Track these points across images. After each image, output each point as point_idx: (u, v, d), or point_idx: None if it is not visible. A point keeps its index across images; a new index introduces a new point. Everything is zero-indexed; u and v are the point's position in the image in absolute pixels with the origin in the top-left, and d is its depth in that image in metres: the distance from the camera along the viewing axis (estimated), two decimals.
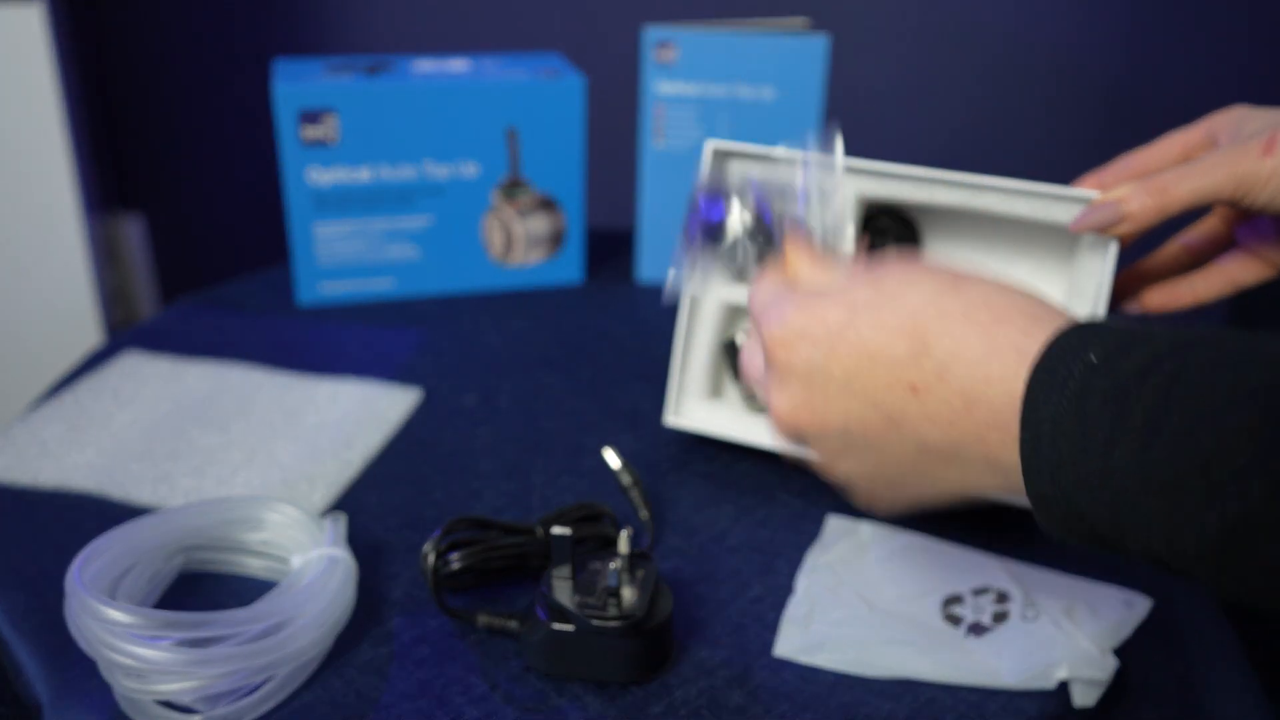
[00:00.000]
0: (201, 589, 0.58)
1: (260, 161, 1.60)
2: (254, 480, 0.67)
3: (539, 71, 0.93)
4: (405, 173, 0.92)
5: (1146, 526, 0.33)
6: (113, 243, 1.82)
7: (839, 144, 0.50)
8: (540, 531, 0.58)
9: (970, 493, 0.43)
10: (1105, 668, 0.52)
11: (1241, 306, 1.59)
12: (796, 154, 0.51)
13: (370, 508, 0.66)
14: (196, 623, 0.48)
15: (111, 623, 0.48)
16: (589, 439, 0.74)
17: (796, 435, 0.46)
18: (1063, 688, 0.52)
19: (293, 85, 0.86)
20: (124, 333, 0.88)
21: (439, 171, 0.93)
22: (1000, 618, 0.55)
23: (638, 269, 1.00)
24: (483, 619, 0.55)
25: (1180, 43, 1.48)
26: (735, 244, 0.50)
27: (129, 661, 0.47)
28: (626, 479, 0.65)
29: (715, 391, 0.75)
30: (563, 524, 0.57)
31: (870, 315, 0.42)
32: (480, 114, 0.91)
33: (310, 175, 0.89)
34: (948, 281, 0.42)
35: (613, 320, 0.93)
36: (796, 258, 0.49)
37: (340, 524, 0.57)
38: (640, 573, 0.54)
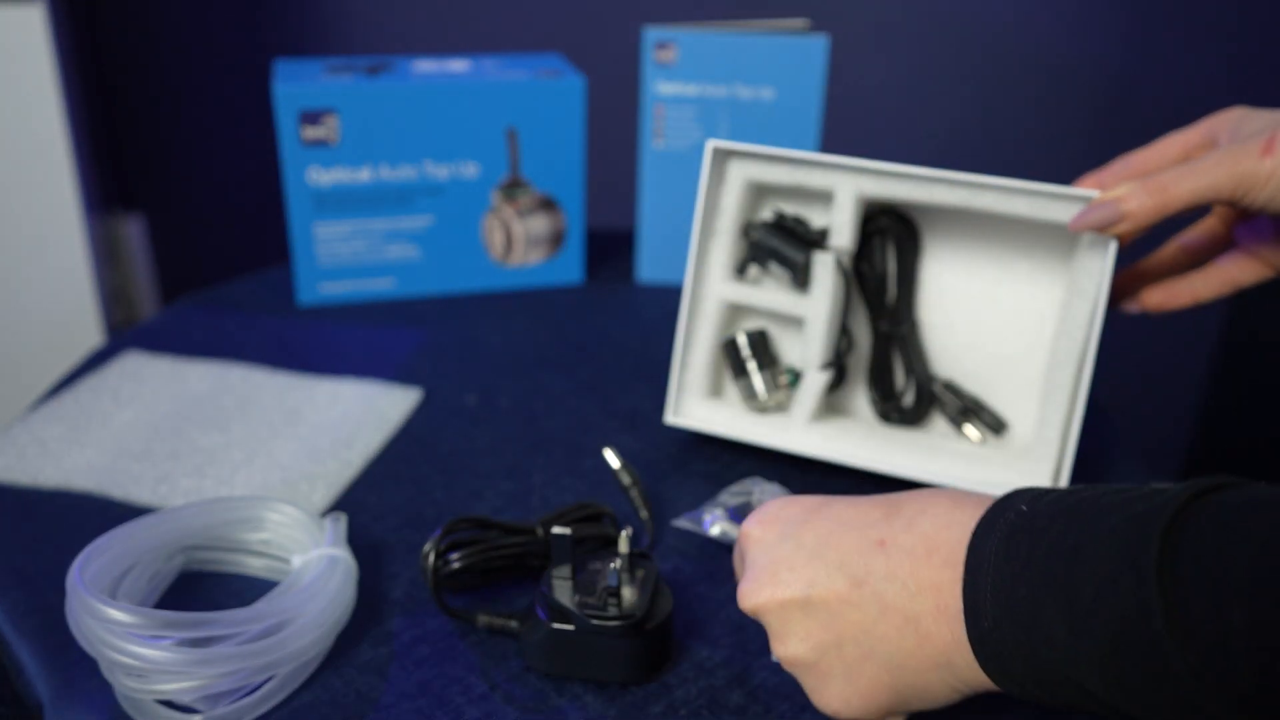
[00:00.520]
0: (202, 589, 0.58)
1: (261, 162, 1.60)
2: (254, 480, 0.67)
3: (539, 72, 0.93)
4: (405, 173, 0.92)
5: (1048, 635, 0.37)
6: (113, 243, 1.82)
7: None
8: (540, 531, 0.58)
9: (922, 672, 0.42)
10: None
11: (1240, 306, 1.59)
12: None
13: (370, 508, 0.66)
14: (197, 622, 0.48)
15: (112, 622, 0.48)
16: (589, 439, 0.74)
17: (760, 617, 0.47)
18: None
19: (293, 86, 0.86)
20: (124, 333, 0.88)
21: (439, 172, 0.93)
22: None
23: (638, 269, 1.01)
24: (483, 619, 0.55)
25: (1179, 43, 1.48)
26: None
27: (129, 661, 0.47)
28: (626, 479, 0.65)
29: (715, 391, 0.75)
30: (563, 524, 0.58)
31: (846, 499, 0.47)
32: (480, 114, 0.91)
33: (310, 175, 0.89)
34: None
35: (613, 320, 0.93)
36: None
37: (340, 524, 0.57)
38: (640, 573, 0.54)
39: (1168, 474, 1.71)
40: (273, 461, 0.69)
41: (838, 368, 0.72)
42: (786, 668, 0.47)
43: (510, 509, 0.66)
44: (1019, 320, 0.71)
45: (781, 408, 0.73)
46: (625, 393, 0.80)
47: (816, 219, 0.72)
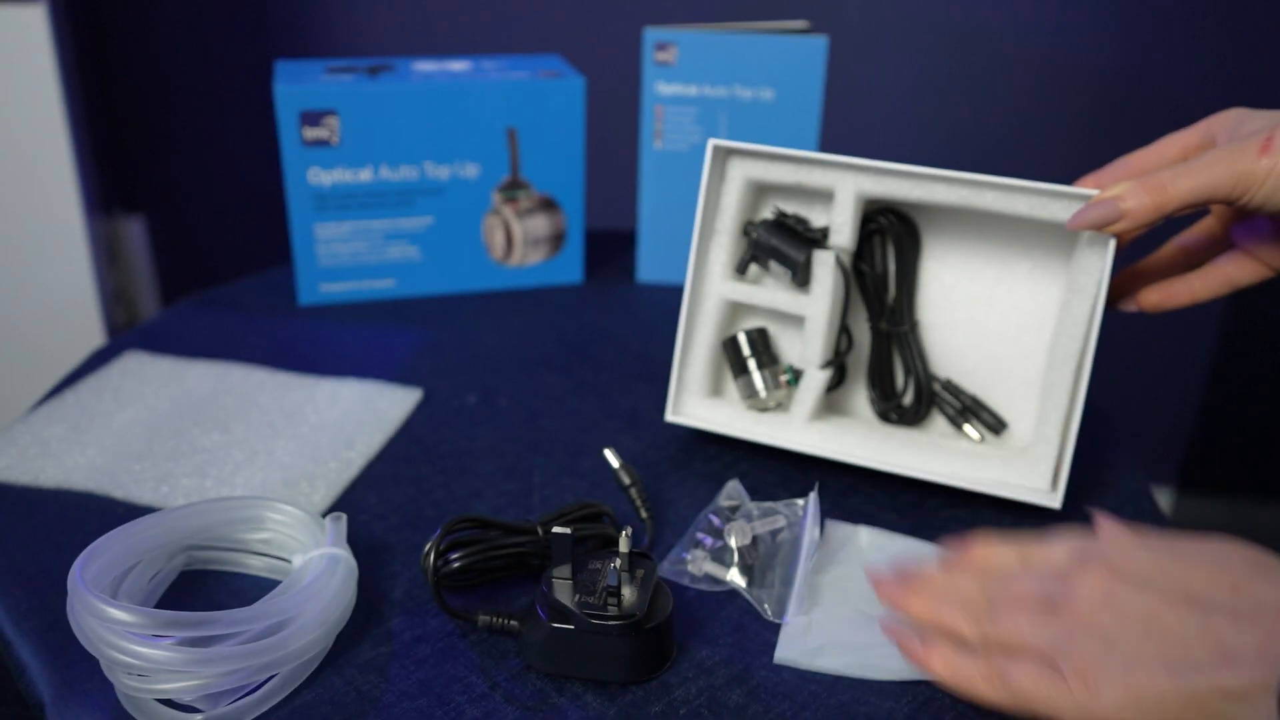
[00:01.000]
0: (203, 588, 0.58)
1: (261, 163, 1.60)
2: (255, 480, 0.68)
3: (539, 72, 0.94)
4: (406, 173, 0.92)
5: None
6: (114, 243, 1.83)
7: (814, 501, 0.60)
8: (540, 531, 0.58)
9: (1192, 712, 0.41)
10: None
11: (1238, 306, 1.59)
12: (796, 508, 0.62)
13: (371, 507, 0.66)
14: (198, 622, 0.48)
15: (113, 622, 0.48)
16: (589, 439, 0.74)
17: (1085, 585, 0.46)
18: None
19: (294, 86, 0.86)
20: (125, 333, 0.88)
21: (439, 172, 0.93)
22: None
23: (638, 269, 1.01)
24: (483, 618, 0.55)
25: (1177, 43, 1.48)
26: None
27: (131, 660, 0.47)
28: (626, 479, 0.65)
29: (715, 390, 0.75)
30: (563, 524, 0.58)
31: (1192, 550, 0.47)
32: (481, 115, 0.91)
33: (311, 176, 0.90)
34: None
35: (613, 320, 0.93)
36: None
37: (341, 523, 0.57)
38: (640, 572, 0.54)
39: (1165, 473, 1.71)
40: (273, 461, 0.70)
41: (837, 367, 0.72)
42: (1076, 633, 0.45)
43: (510, 509, 0.66)
44: (1018, 320, 0.71)
45: (782, 406, 0.73)
46: (625, 393, 0.81)
47: (817, 218, 0.72)
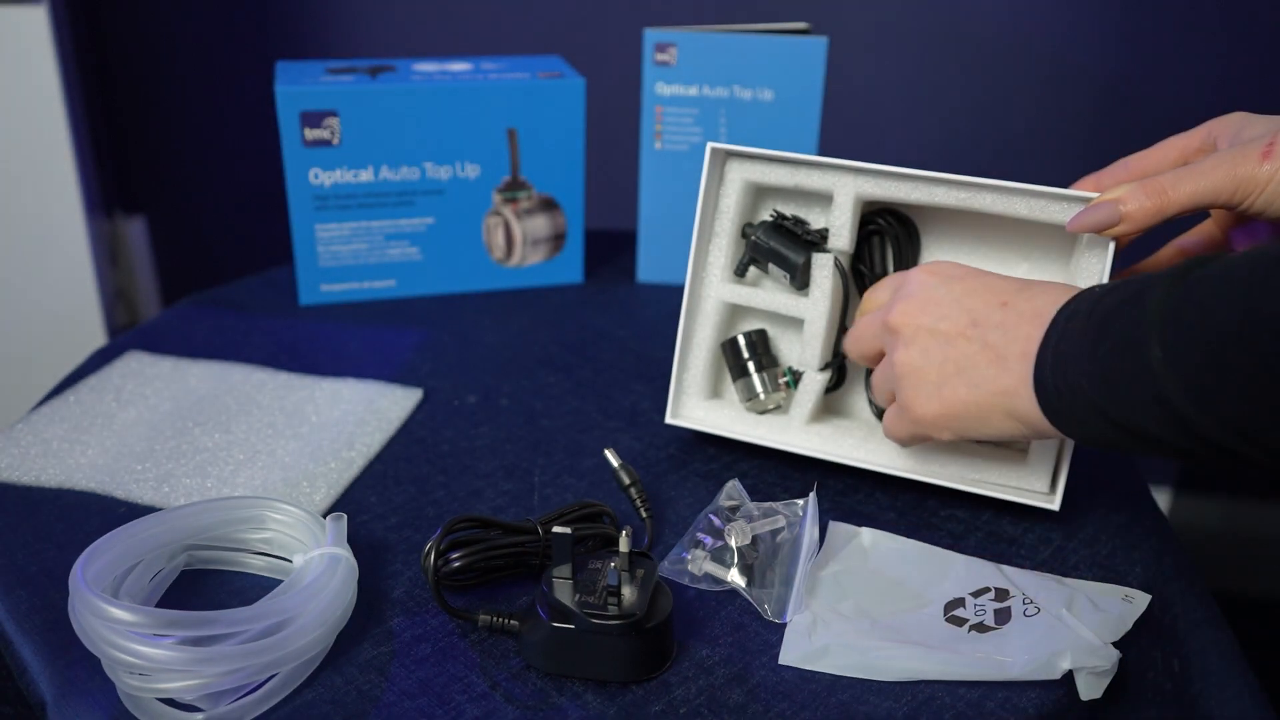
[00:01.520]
0: (204, 588, 0.58)
1: (262, 163, 1.60)
2: (255, 480, 0.68)
3: (539, 73, 0.94)
4: (406, 174, 0.92)
5: (1081, 368, 0.49)
6: (115, 244, 1.83)
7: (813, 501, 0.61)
8: (540, 531, 0.58)
9: (991, 396, 0.54)
10: (1108, 658, 0.52)
11: None
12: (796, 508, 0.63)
13: (371, 507, 0.66)
14: (199, 621, 0.49)
15: (114, 621, 0.48)
16: (589, 439, 0.74)
17: (895, 331, 0.59)
18: (1067, 683, 0.52)
19: (294, 87, 0.87)
20: (126, 333, 0.88)
21: (440, 173, 0.93)
22: (1002, 616, 0.56)
23: (638, 269, 1.01)
24: (483, 618, 0.55)
25: (1177, 44, 1.48)
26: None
27: (132, 660, 0.47)
28: (626, 479, 0.66)
29: (715, 392, 0.75)
30: (563, 523, 0.58)
31: (998, 274, 0.58)
32: (481, 115, 0.91)
33: (312, 176, 0.90)
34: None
35: (613, 320, 0.93)
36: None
37: (341, 523, 0.57)
38: (640, 572, 0.54)
39: (1163, 472, 1.71)
40: (274, 461, 0.70)
41: (836, 369, 0.72)
42: (897, 370, 0.58)
43: (510, 509, 0.67)
44: None
45: (781, 409, 0.73)
46: (625, 393, 0.81)
47: (815, 220, 0.72)
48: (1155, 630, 0.59)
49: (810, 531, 0.60)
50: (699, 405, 0.73)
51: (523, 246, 0.98)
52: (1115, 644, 0.54)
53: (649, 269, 1.00)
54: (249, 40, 1.72)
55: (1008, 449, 0.70)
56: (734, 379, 0.73)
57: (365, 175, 0.91)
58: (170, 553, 0.58)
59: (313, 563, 0.54)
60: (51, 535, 0.62)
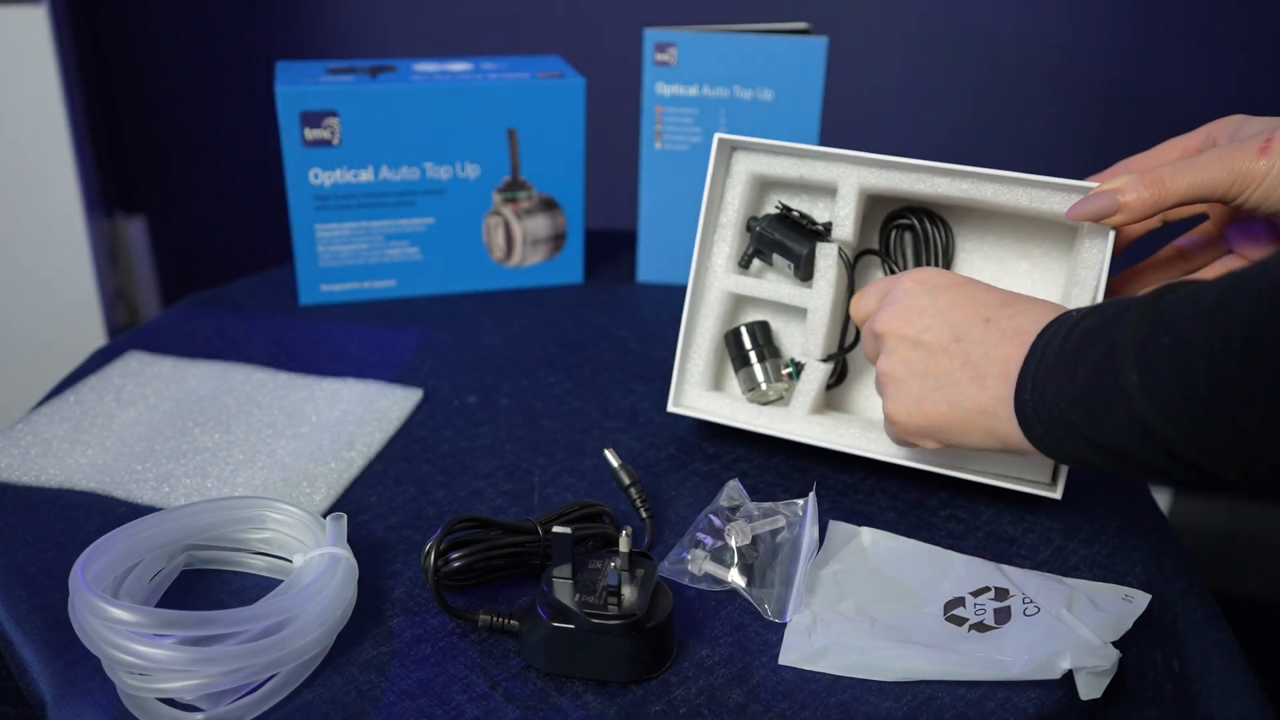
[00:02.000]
0: (204, 588, 0.58)
1: (262, 163, 1.60)
2: (256, 480, 0.68)
3: (539, 73, 0.94)
4: (406, 174, 0.92)
5: (1058, 390, 0.49)
6: (115, 244, 1.83)
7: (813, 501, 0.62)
8: (540, 531, 0.58)
9: (968, 414, 0.55)
10: (1108, 657, 0.52)
11: None
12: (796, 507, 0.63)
13: (371, 507, 0.66)
14: (199, 621, 0.49)
15: (114, 621, 0.48)
16: (589, 439, 0.74)
17: (880, 335, 0.59)
18: (1067, 683, 0.52)
19: (294, 87, 0.87)
20: (126, 333, 0.88)
21: (440, 173, 0.93)
22: (1002, 615, 0.56)
23: (638, 269, 1.01)
24: (483, 618, 0.55)
25: (1177, 42, 1.48)
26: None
27: (132, 660, 0.47)
28: (626, 479, 0.66)
29: (717, 384, 0.75)
30: (563, 524, 0.58)
31: (983, 285, 0.58)
32: (481, 115, 0.91)
33: (312, 176, 0.90)
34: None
35: (613, 320, 0.93)
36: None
37: (341, 523, 0.57)
38: (640, 572, 0.54)
39: None
40: (274, 461, 0.70)
41: (839, 362, 0.72)
42: (879, 377, 0.60)
43: (510, 509, 0.67)
44: None
45: (783, 400, 0.73)
46: (625, 392, 0.81)
47: (820, 214, 0.73)
48: (1155, 630, 0.59)
49: (810, 531, 0.60)
50: (701, 395, 0.73)
51: (523, 246, 0.98)
52: (1115, 644, 0.54)
53: (649, 269, 1.00)
54: (249, 40, 1.72)
55: None
56: (736, 370, 0.73)
57: (365, 175, 0.91)
58: (170, 553, 0.58)
59: (313, 563, 0.54)
60: (51, 535, 0.62)
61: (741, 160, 0.72)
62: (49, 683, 0.52)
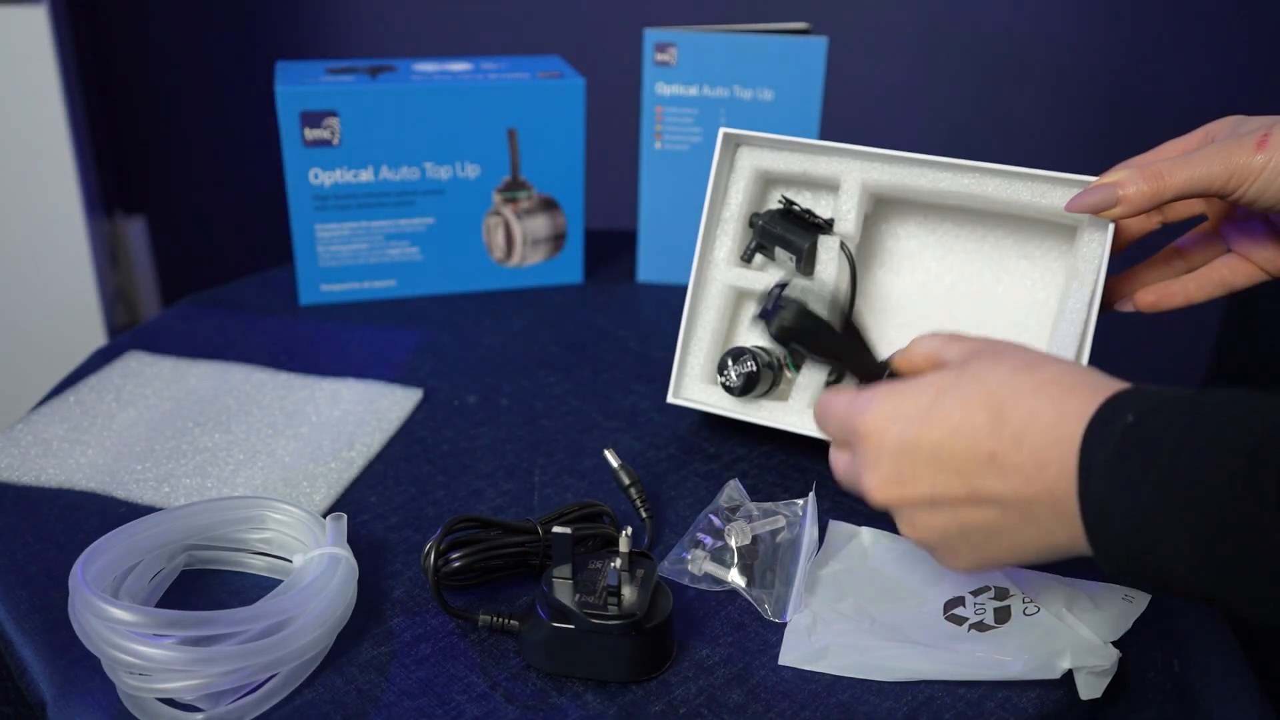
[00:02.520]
0: (204, 588, 0.58)
1: (262, 163, 1.60)
2: (256, 480, 0.68)
3: (539, 73, 0.94)
4: (406, 174, 0.92)
5: (1171, 550, 0.39)
6: (115, 244, 1.83)
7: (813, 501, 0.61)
8: (540, 531, 0.58)
9: (1044, 553, 0.46)
10: (1108, 657, 0.52)
11: (1238, 307, 1.59)
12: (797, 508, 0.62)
13: (371, 507, 0.66)
14: (199, 621, 0.49)
15: (114, 621, 0.48)
16: (589, 439, 0.74)
17: (888, 509, 0.49)
18: (1067, 683, 0.52)
19: (294, 87, 0.87)
20: (126, 333, 0.88)
21: (440, 173, 0.93)
22: (1002, 615, 0.56)
23: (638, 269, 1.01)
24: (483, 618, 0.55)
25: (1177, 42, 1.48)
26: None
27: (132, 660, 0.47)
28: (626, 479, 0.66)
29: (715, 377, 0.75)
30: (563, 524, 0.58)
31: (953, 394, 0.47)
32: (481, 115, 0.91)
33: (312, 176, 0.90)
34: (1023, 362, 0.47)
35: (613, 320, 0.93)
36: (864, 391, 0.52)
37: (341, 523, 0.57)
38: (640, 572, 0.54)
39: None
40: (274, 461, 0.70)
41: None
42: (916, 541, 0.49)
43: (510, 509, 0.67)
44: (1017, 318, 0.72)
45: (781, 395, 0.73)
46: (625, 392, 0.81)
47: (822, 211, 0.73)
48: (1155, 630, 0.59)
49: (810, 531, 0.60)
50: (701, 388, 0.74)
51: (523, 246, 0.98)
52: (1115, 643, 0.54)
53: (649, 269, 1.00)
54: (249, 40, 1.72)
55: None
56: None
57: (365, 175, 0.91)
58: (170, 553, 0.58)
59: (313, 563, 0.54)
60: (51, 535, 0.62)
61: (745, 156, 0.72)
62: (49, 683, 0.52)
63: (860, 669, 0.54)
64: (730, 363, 0.71)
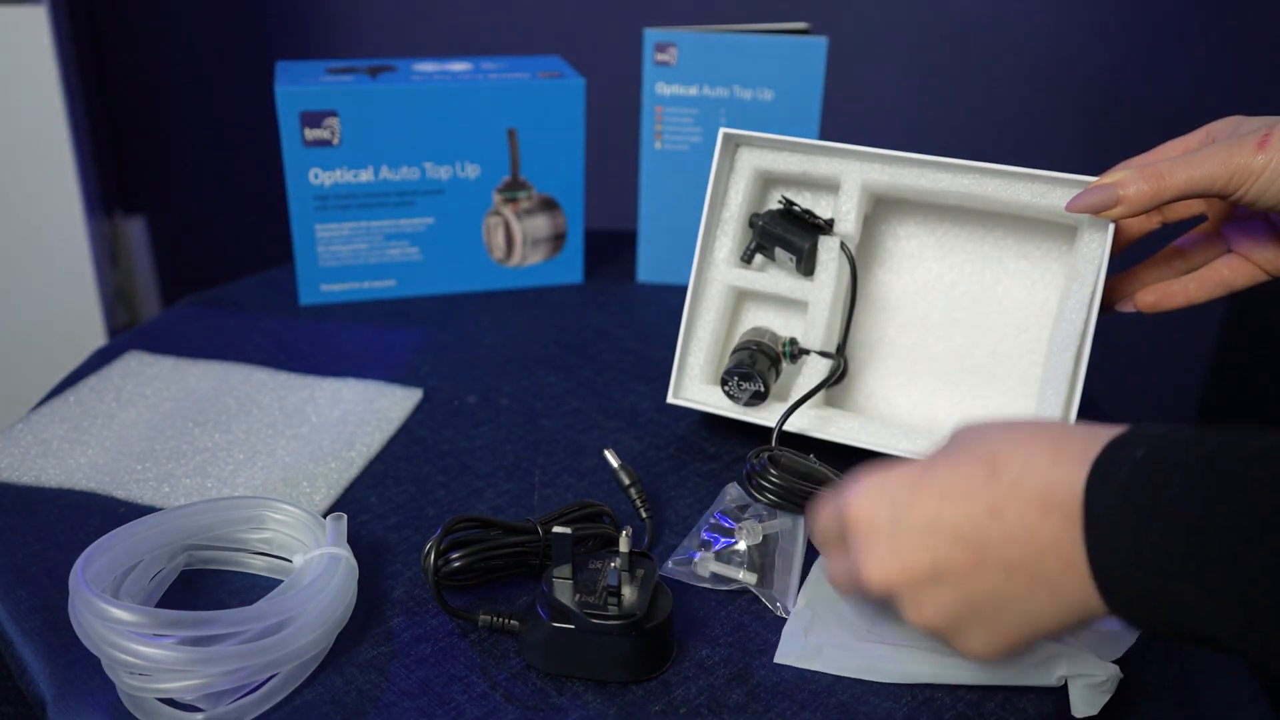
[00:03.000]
0: (204, 588, 0.58)
1: (262, 163, 1.60)
2: (256, 480, 0.68)
3: (539, 73, 0.94)
4: (406, 174, 0.92)
5: (1183, 594, 0.37)
6: (115, 244, 1.83)
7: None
8: (540, 531, 0.58)
9: (1059, 619, 0.43)
10: (1106, 669, 0.52)
11: (1238, 306, 1.59)
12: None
13: (371, 507, 0.66)
14: (199, 621, 0.49)
15: (114, 621, 0.48)
16: (589, 439, 0.74)
17: (890, 593, 0.46)
18: (1065, 695, 0.52)
19: (294, 87, 0.87)
20: (126, 333, 0.88)
21: (440, 173, 0.93)
22: None
23: (638, 269, 1.01)
24: (483, 618, 0.55)
25: (1178, 43, 1.48)
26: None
27: (132, 660, 0.47)
28: (626, 479, 0.66)
29: (716, 379, 0.75)
30: (563, 524, 0.58)
31: (942, 461, 0.45)
32: (481, 115, 0.91)
33: (312, 176, 0.90)
34: (1008, 424, 0.45)
35: (613, 320, 0.93)
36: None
37: (341, 523, 0.57)
38: (640, 572, 0.54)
39: None
40: (274, 461, 0.70)
41: (841, 361, 0.72)
42: (928, 630, 0.46)
43: (510, 509, 0.67)
44: (1017, 319, 0.72)
45: (782, 396, 0.73)
46: (625, 392, 0.81)
47: (822, 211, 0.73)
48: None
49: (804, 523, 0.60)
50: (701, 389, 0.74)
51: (523, 246, 0.98)
52: (1119, 658, 0.53)
53: (649, 269, 1.00)
54: (249, 40, 1.72)
55: None
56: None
57: (365, 175, 0.91)
58: (170, 553, 0.58)
59: (313, 563, 0.54)
60: (51, 535, 0.62)
61: (745, 156, 0.72)
62: (49, 683, 0.52)
63: (856, 669, 0.53)
64: (739, 381, 0.70)
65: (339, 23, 1.69)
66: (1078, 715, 0.51)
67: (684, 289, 0.75)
